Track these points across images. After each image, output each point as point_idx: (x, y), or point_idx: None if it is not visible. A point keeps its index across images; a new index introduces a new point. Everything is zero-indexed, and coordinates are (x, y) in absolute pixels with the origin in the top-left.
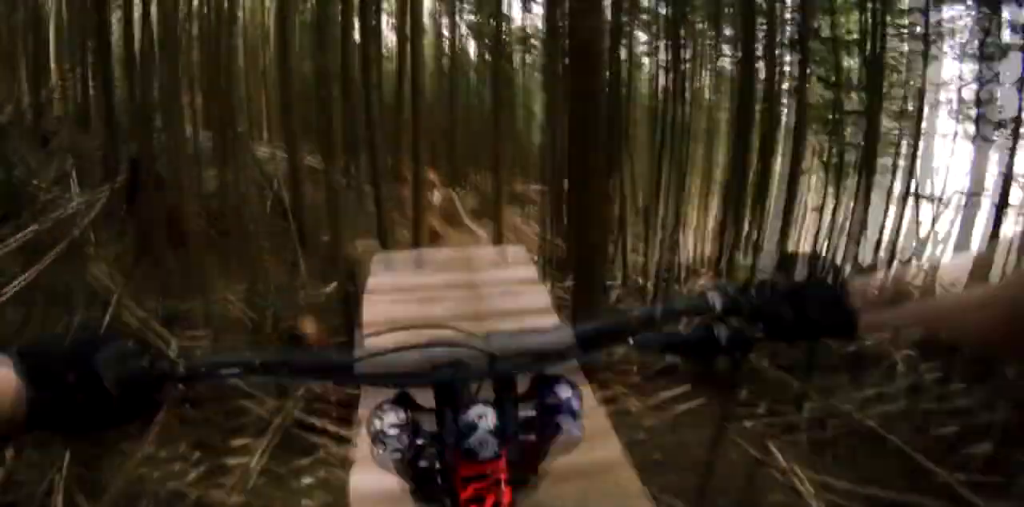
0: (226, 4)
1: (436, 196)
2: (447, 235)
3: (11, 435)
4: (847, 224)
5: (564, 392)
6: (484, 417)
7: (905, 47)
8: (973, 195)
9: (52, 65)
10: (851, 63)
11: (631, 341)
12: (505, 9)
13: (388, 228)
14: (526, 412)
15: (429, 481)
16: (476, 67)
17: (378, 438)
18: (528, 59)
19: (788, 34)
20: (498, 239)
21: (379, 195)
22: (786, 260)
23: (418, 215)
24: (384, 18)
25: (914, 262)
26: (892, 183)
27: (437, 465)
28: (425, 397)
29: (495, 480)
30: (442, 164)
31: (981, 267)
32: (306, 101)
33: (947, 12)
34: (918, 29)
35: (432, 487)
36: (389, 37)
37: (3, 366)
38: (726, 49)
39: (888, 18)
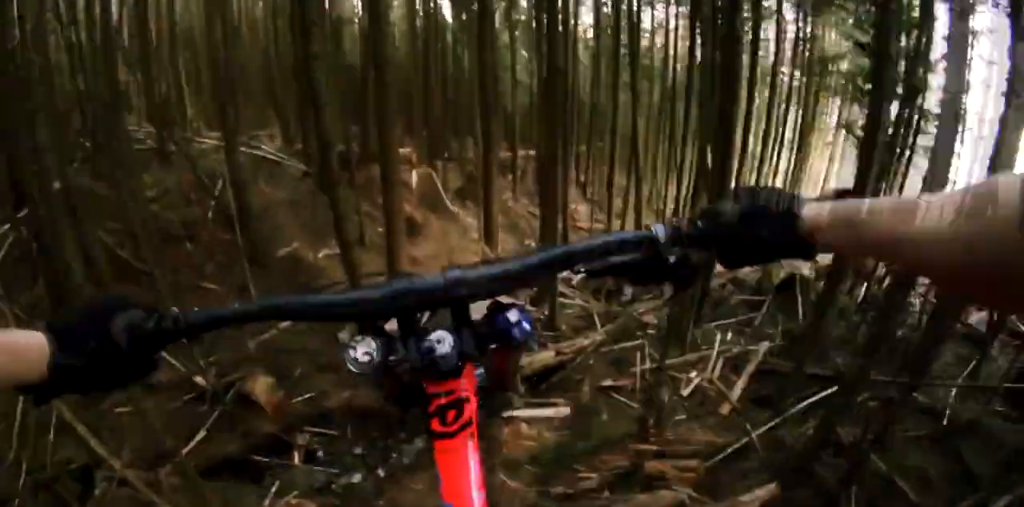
0: None
1: (414, 176)
2: (429, 223)
3: (38, 393)
4: None
5: (514, 315)
6: (442, 340)
7: None
8: None
9: None
10: None
11: (580, 268)
12: None
13: (356, 227)
14: (481, 333)
15: (405, 393)
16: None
17: (352, 364)
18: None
19: None
20: (488, 223)
21: (333, 185)
22: (739, 192)
23: (390, 202)
24: None
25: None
26: None
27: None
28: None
29: (460, 397)
30: (418, 137)
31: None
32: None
33: None
34: None
35: (407, 398)
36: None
37: (35, 339)
38: None
39: None
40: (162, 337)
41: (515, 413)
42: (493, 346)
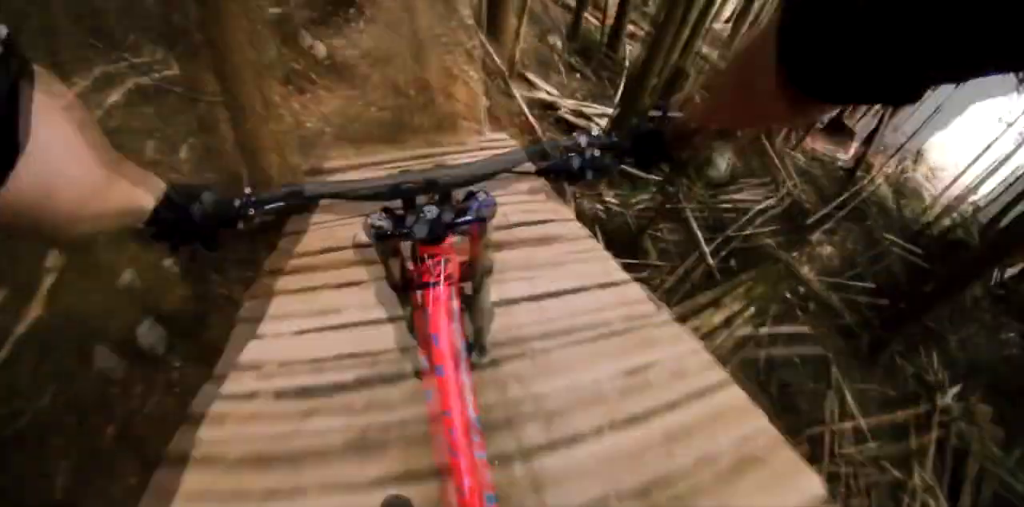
0: None
1: None
2: None
3: (134, 225)
4: None
5: (481, 197)
6: (430, 211)
7: None
8: None
9: None
10: None
11: (515, 170)
12: None
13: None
14: (458, 208)
15: (404, 277)
16: None
17: (370, 230)
18: None
19: None
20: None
21: None
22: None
23: None
24: None
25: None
26: None
27: (408, 257)
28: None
29: (444, 257)
30: None
31: None
32: None
33: None
34: None
35: (404, 278)
36: None
37: (157, 184)
38: None
39: None
40: (229, 217)
41: None
42: (469, 219)
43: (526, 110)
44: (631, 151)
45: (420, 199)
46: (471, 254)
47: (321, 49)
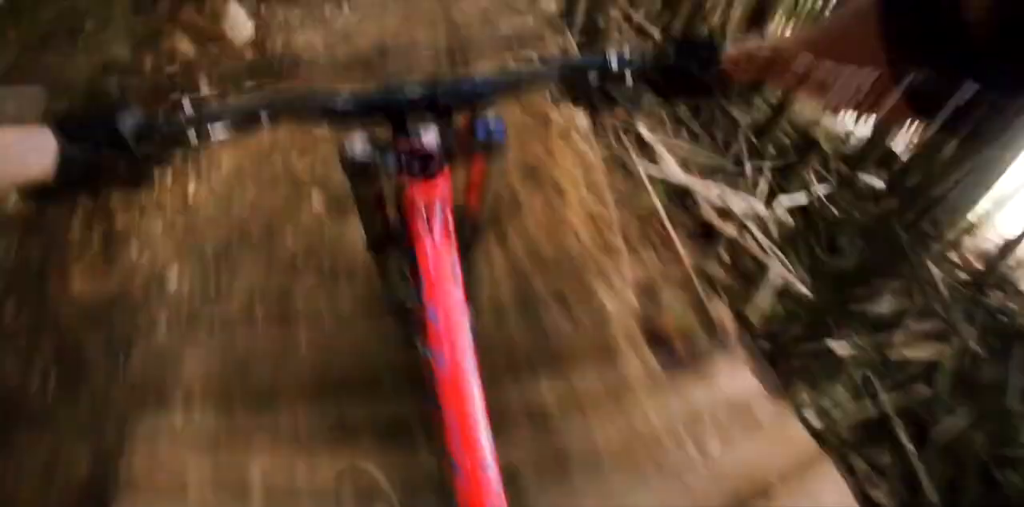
0: None
1: None
2: None
3: (43, 194)
4: None
5: (493, 123)
6: (429, 133)
7: None
8: None
9: None
10: None
11: (547, 90)
12: None
13: None
14: (463, 135)
15: (386, 229)
16: None
17: (349, 161)
18: None
19: None
20: None
21: None
22: (675, 37)
23: None
24: None
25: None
26: None
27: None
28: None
29: (440, 198)
30: None
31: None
32: None
33: None
34: None
35: (386, 230)
36: None
37: (43, 134)
38: None
39: None
40: (171, 134)
41: None
42: (472, 156)
43: (660, 207)
44: (667, 74)
45: (412, 120)
46: (469, 195)
47: (240, 18)
